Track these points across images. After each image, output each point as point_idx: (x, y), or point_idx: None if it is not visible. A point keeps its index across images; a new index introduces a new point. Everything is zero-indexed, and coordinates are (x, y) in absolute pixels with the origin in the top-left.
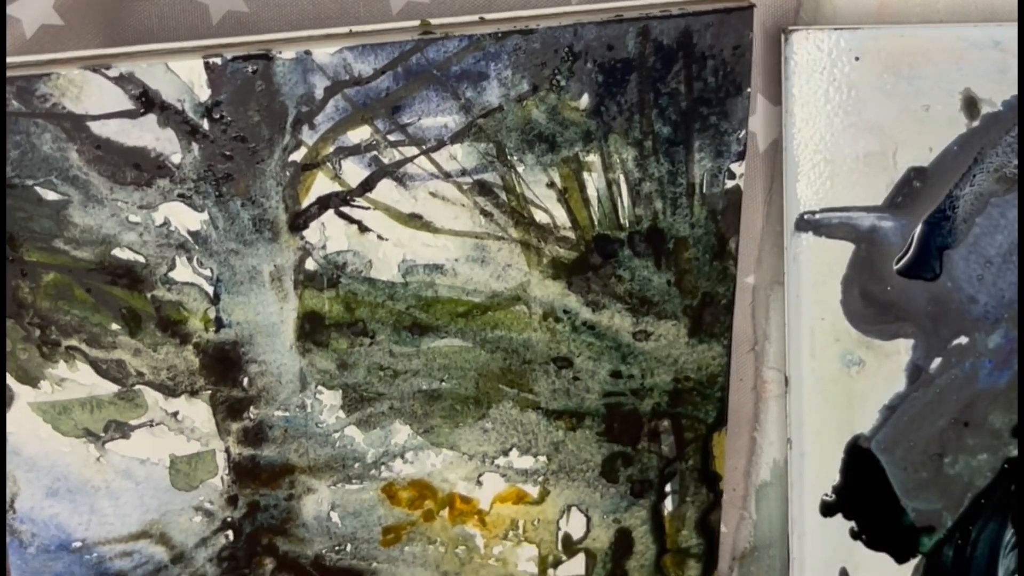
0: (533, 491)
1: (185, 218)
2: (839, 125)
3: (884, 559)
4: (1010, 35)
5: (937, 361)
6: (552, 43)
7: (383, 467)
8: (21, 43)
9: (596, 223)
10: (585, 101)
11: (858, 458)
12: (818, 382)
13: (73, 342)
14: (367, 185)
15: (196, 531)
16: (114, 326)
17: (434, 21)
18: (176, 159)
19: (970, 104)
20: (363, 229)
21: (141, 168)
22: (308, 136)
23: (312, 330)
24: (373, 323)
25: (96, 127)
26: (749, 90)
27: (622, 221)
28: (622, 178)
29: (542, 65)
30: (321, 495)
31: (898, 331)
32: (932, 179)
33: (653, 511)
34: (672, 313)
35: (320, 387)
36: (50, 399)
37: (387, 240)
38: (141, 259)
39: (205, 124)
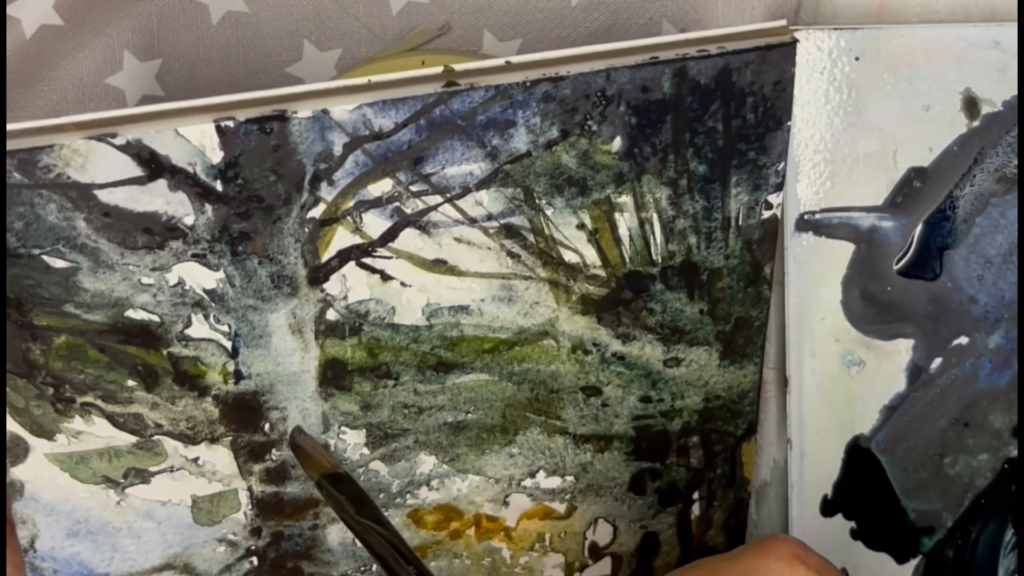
0: (560, 508)
1: (200, 277)
2: (839, 125)
3: (884, 559)
4: (1010, 35)
5: (937, 361)
6: (583, 88)
7: (408, 495)
8: (21, 43)
9: (627, 261)
10: (618, 144)
11: (858, 458)
12: (818, 382)
13: (88, 399)
14: (389, 236)
15: (220, 560)
16: (130, 382)
17: (457, 67)
18: (189, 221)
19: (970, 104)
20: (385, 278)
21: (152, 232)
22: (327, 192)
23: (334, 376)
24: (397, 366)
25: (103, 195)
26: (790, 123)
27: (654, 257)
28: (655, 216)
29: (573, 111)
30: None
31: (898, 331)
32: (932, 179)
33: (680, 516)
34: (704, 339)
35: (343, 427)
36: (67, 451)
37: (410, 286)
38: (156, 318)
39: (218, 186)
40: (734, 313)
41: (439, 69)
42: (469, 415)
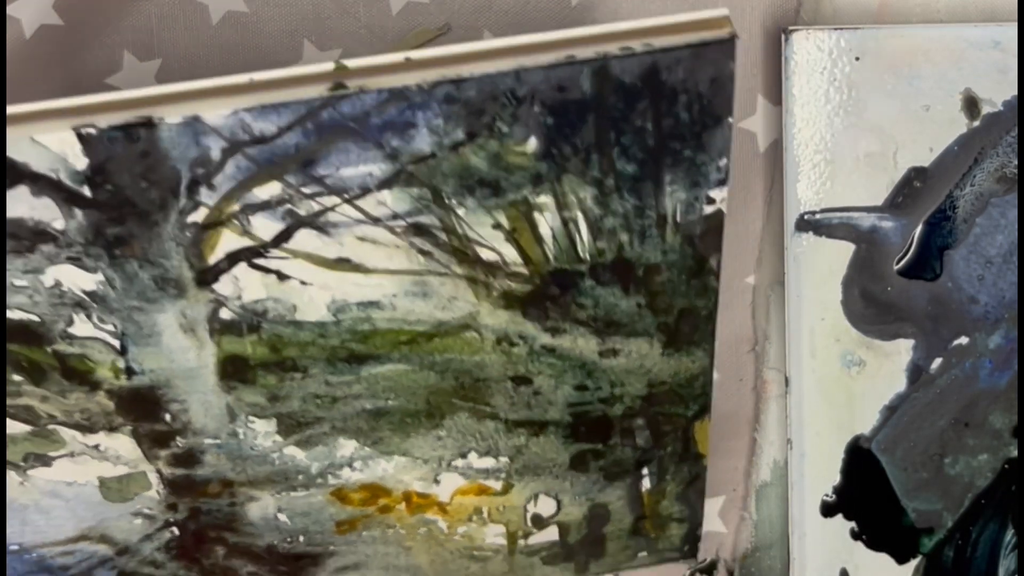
0: (496, 485)
1: (78, 279)
2: (839, 125)
3: (884, 559)
4: (1010, 35)
5: (937, 361)
6: (490, 89)
7: (330, 476)
8: (21, 43)
9: (552, 259)
10: (533, 145)
11: (858, 458)
12: (818, 382)
13: None
14: (283, 237)
15: (138, 530)
16: (16, 377)
17: (350, 64)
18: (58, 225)
19: (970, 104)
20: (282, 277)
21: (19, 237)
22: (207, 197)
23: (236, 371)
24: (304, 360)
25: None
26: (731, 120)
27: (582, 255)
28: (580, 216)
29: (480, 112)
30: (265, 502)
31: (898, 331)
32: (932, 179)
33: (630, 490)
34: (644, 331)
35: (251, 417)
36: None
37: (311, 285)
38: (35, 318)
39: (86, 191)
40: (677, 305)
41: (329, 67)
42: (390, 402)
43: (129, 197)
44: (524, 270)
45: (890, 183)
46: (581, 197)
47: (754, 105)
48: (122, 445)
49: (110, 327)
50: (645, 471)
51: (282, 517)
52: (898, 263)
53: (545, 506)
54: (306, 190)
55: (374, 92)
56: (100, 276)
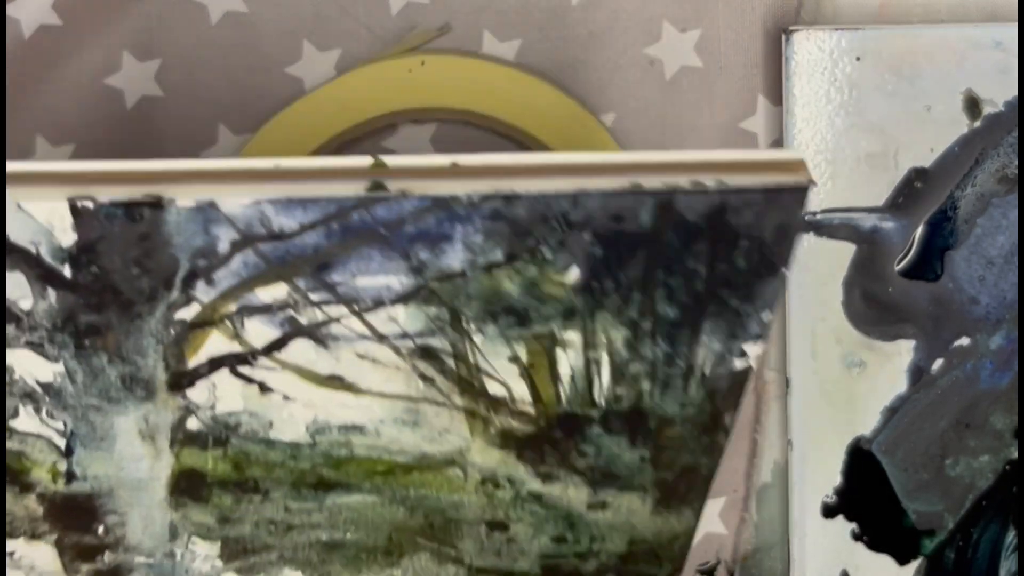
0: None
1: (34, 367)
2: (840, 125)
3: (885, 561)
4: (1011, 35)
5: (939, 362)
6: (542, 210)
7: None
8: (20, 43)
9: (565, 401)
10: (574, 275)
11: (859, 460)
12: (819, 383)
13: None
14: (276, 346)
15: None
16: None
17: (390, 161)
18: (25, 305)
19: (971, 104)
20: (265, 389)
21: None
22: (204, 293)
23: (189, 486)
24: (267, 481)
25: None
26: (787, 272)
27: (597, 400)
28: (606, 358)
29: (525, 234)
30: None
31: (899, 332)
32: (933, 180)
33: None
34: (640, 486)
35: (194, 538)
36: None
37: (294, 401)
38: None
39: (67, 271)
40: (680, 462)
41: (367, 162)
42: (348, 535)
43: (114, 283)
44: (531, 409)
45: (891, 183)
46: (612, 338)
47: (754, 105)
48: (41, 556)
49: (59, 425)
50: None
51: None
52: (899, 264)
53: None
54: (314, 296)
55: (415, 199)
56: (60, 367)
